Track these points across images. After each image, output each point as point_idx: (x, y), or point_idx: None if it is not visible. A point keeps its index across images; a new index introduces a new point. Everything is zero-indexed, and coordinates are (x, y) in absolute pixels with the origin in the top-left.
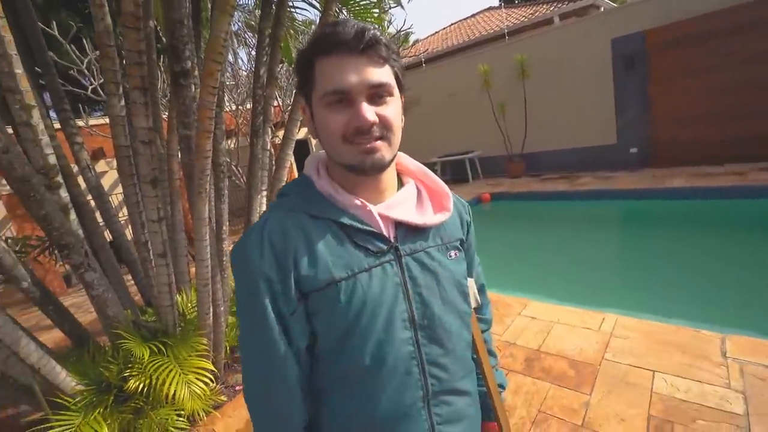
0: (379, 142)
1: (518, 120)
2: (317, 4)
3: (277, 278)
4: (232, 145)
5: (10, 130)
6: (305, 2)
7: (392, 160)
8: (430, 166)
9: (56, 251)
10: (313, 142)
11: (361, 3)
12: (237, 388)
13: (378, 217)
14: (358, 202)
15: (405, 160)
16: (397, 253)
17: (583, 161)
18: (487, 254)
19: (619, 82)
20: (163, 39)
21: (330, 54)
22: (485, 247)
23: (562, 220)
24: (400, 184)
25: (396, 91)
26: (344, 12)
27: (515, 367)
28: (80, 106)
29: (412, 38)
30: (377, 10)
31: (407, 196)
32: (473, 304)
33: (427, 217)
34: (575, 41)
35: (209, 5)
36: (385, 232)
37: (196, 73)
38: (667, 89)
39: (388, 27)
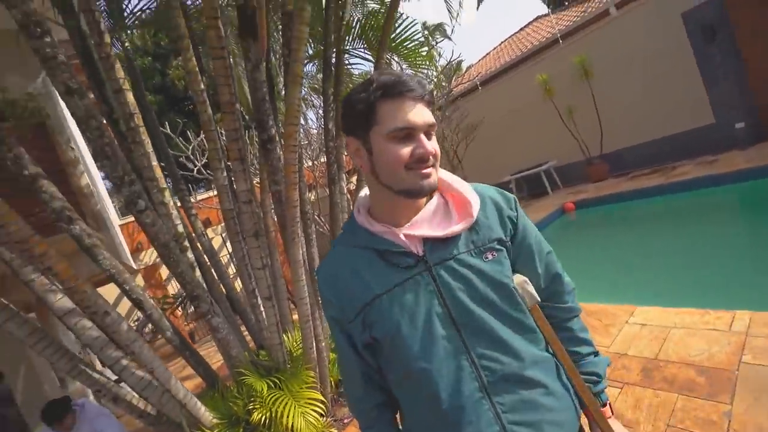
0: (432, 169)
1: (590, 122)
2: (369, 57)
3: (335, 300)
4: (313, 197)
5: None
6: (359, 58)
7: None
8: (504, 185)
9: (185, 306)
10: None
11: (409, 46)
12: (345, 420)
13: (403, 237)
14: (386, 228)
15: None
16: (426, 265)
17: (677, 150)
18: (579, 265)
19: (701, 57)
20: (246, 117)
21: (397, 97)
22: (575, 259)
23: (661, 218)
24: (430, 196)
25: (436, 128)
26: (395, 57)
27: (630, 379)
28: (188, 185)
29: (464, 65)
30: (425, 49)
31: (431, 211)
32: (529, 303)
33: (450, 227)
34: (639, 27)
35: (281, 80)
36: (413, 249)
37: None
38: (765, 49)
39: (438, 60)
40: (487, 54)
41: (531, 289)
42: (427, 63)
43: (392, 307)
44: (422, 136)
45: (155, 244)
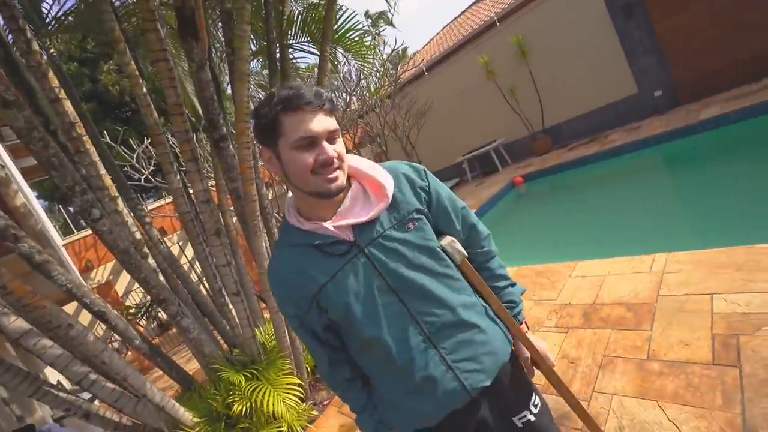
0: (338, 171)
1: (531, 99)
2: (314, 50)
3: (288, 298)
4: (271, 195)
5: None
6: (304, 51)
7: (347, 183)
8: (457, 165)
9: (149, 318)
10: None
11: (352, 37)
12: (325, 403)
13: (333, 229)
14: (315, 224)
15: (348, 165)
16: (359, 247)
17: (609, 119)
18: (529, 232)
19: (622, 33)
20: (191, 118)
21: (297, 109)
22: (526, 227)
23: (598, 182)
24: (349, 186)
25: (340, 132)
26: (339, 49)
27: (574, 324)
28: (137, 195)
29: (409, 51)
30: (369, 38)
31: (351, 201)
32: (458, 258)
33: (371, 210)
34: (567, 7)
35: (225, 78)
36: (344, 237)
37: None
38: (674, 24)
39: (383, 48)
40: (431, 39)
41: (458, 246)
42: (372, 53)
43: (338, 290)
44: (324, 143)
45: (115, 251)
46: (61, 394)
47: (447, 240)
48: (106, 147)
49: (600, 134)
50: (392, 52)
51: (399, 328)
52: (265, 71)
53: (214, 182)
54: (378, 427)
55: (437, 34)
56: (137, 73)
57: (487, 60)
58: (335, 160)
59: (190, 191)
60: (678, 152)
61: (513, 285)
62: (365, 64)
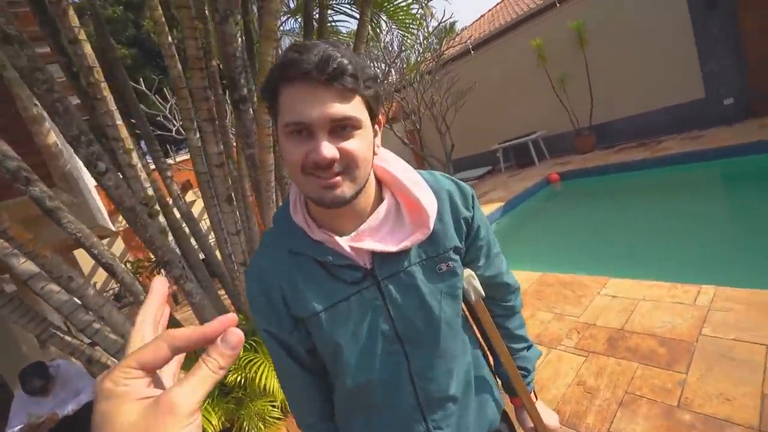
0: (339, 178)
1: (582, 92)
2: (356, 13)
3: (270, 310)
4: None
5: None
6: (343, 14)
7: (357, 194)
8: (491, 153)
9: (163, 270)
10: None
11: (398, 3)
12: None
13: (348, 249)
14: (328, 237)
15: (384, 169)
16: (375, 279)
17: (666, 123)
18: (559, 236)
19: (699, 27)
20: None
21: (292, 82)
22: (556, 230)
23: (643, 192)
24: (380, 196)
25: (366, 122)
26: (383, 18)
27: (596, 348)
28: (168, 146)
29: (458, 27)
30: (416, 7)
31: (380, 219)
32: (474, 297)
33: (404, 238)
34: None
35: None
36: (360, 262)
37: (255, 99)
38: (765, 24)
39: (430, 20)
40: (483, 15)
41: (477, 284)
42: (416, 23)
43: (334, 324)
44: (321, 136)
45: (120, 208)
46: (66, 337)
47: (466, 273)
48: (135, 96)
49: (652, 139)
50: (438, 24)
51: (393, 383)
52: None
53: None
54: None
55: (490, 10)
56: (163, 19)
57: (540, 44)
58: (334, 163)
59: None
60: (743, 171)
61: (530, 348)
62: (408, 35)
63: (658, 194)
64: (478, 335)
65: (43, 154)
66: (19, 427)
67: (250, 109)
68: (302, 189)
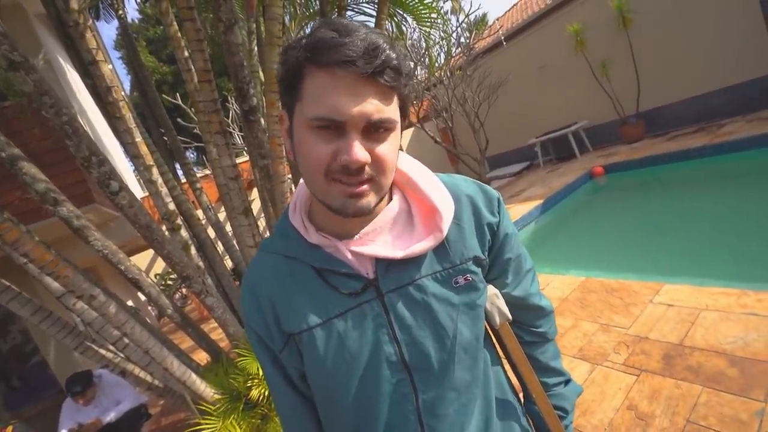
0: (366, 187)
1: (627, 76)
2: (369, 10)
3: (261, 323)
4: None
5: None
6: (355, 12)
7: (378, 204)
8: (529, 148)
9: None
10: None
11: None
12: None
13: (349, 254)
14: (327, 239)
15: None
16: (378, 291)
17: (729, 104)
18: (604, 236)
19: None
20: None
21: (328, 68)
22: (601, 229)
23: (703, 184)
24: (390, 197)
25: (398, 124)
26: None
27: (650, 366)
28: (204, 157)
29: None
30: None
31: (388, 220)
32: (498, 320)
33: (412, 244)
34: None
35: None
36: (361, 270)
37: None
38: None
39: (458, 14)
40: (514, 5)
41: (502, 304)
42: (439, 17)
43: (328, 344)
44: (354, 137)
45: (136, 226)
46: (101, 350)
47: (489, 292)
48: (164, 111)
49: (712, 123)
50: (466, 17)
51: (395, 421)
52: None
53: None
54: None
55: None
56: (179, 35)
57: (578, 29)
58: (366, 168)
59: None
60: None
61: (567, 383)
62: (427, 28)
63: (722, 186)
64: (504, 361)
65: (82, 171)
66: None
67: (261, 120)
68: (320, 195)
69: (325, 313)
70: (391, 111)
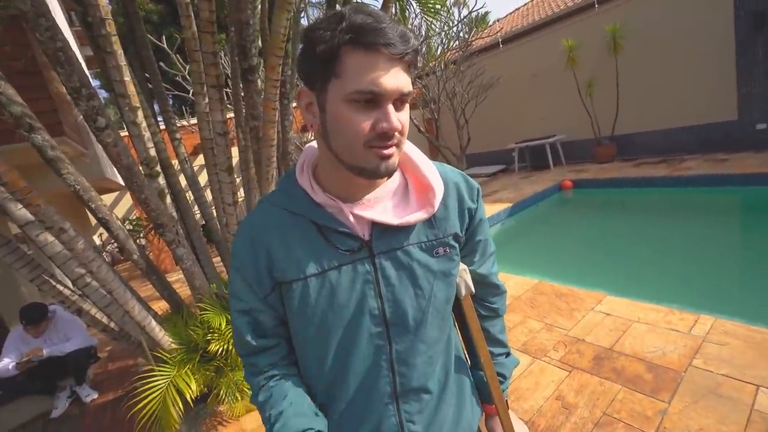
0: (394, 149)
1: (608, 99)
2: None
3: (252, 266)
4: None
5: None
6: None
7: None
8: (507, 152)
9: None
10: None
11: None
12: None
13: (351, 217)
14: (332, 201)
15: None
16: (370, 252)
17: (691, 142)
18: (564, 245)
19: (742, 47)
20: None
21: (370, 50)
22: (562, 238)
23: (656, 210)
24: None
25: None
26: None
27: (581, 365)
28: (184, 107)
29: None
30: None
31: (388, 191)
32: (464, 292)
33: (406, 215)
34: (685, 4)
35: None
36: (359, 231)
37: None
38: None
39: (461, 9)
40: (517, 9)
41: (468, 278)
42: (445, 10)
43: (320, 292)
44: (390, 107)
45: (117, 165)
46: (58, 285)
47: (459, 267)
48: (152, 53)
49: (675, 156)
50: (469, 13)
51: (370, 365)
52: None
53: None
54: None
55: (525, 4)
56: None
57: (572, 45)
58: (397, 133)
59: (211, 118)
60: (765, 201)
61: (508, 355)
62: (433, 19)
63: (672, 215)
64: (459, 335)
65: (55, 101)
66: (13, 363)
67: (259, 81)
68: (355, 160)
69: (321, 265)
70: (411, 85)
